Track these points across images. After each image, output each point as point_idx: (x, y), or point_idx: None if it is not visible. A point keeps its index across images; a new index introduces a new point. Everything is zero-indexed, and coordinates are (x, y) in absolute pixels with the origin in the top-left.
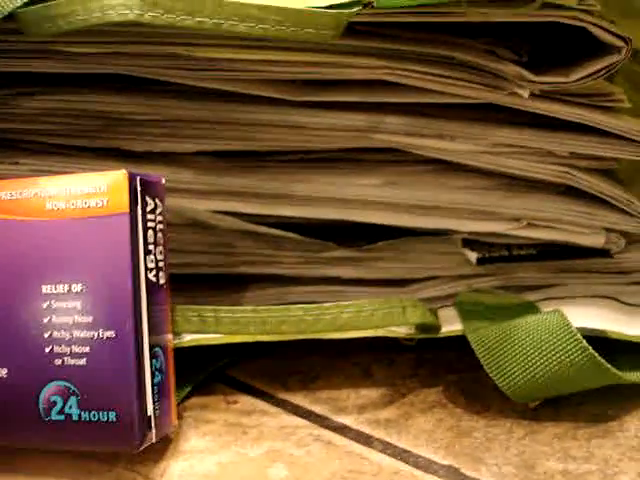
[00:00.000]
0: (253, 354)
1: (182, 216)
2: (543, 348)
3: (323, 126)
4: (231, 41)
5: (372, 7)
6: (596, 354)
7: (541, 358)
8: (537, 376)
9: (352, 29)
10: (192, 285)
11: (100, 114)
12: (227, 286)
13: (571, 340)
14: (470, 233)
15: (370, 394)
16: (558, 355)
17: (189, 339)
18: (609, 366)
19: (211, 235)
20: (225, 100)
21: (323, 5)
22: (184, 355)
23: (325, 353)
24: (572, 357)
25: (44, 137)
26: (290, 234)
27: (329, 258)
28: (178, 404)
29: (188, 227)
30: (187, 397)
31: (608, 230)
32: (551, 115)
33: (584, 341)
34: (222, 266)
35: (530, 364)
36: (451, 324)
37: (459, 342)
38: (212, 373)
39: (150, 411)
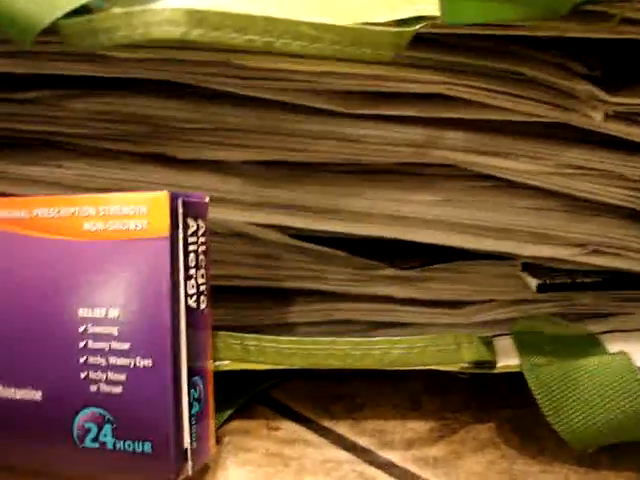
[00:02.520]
0: (298, 373)
1: (227, 228)
2: (606, 394)
3: (378, 140)
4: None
5: (437, 25)
6: None
7: (603, 404)
8: (598, 423)
9: (413, 39)
10: (235, 297)
11: (146, 119)
12: (272, 299)
13: (637, 388)
14: (530, 257)
15: (419, 427)
16: (622, 402)
17: (228, 363)
18: None
19: (257, 247)
20: (276, 109)
21: (384, 20)
22: (226, 375)
23: (372, 377)
24: (637, 405)
25: (89, 140)
26: (338, 252)
27: (380, 276)
28: (218, 428)
29: (233, 237)
30: (228, 419)
31: None
32: (625, 138)
33: None
34: (267, 279)
35: (591, 410)
36: (507, 357)
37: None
38: (255, 394)
39: (187, 443)
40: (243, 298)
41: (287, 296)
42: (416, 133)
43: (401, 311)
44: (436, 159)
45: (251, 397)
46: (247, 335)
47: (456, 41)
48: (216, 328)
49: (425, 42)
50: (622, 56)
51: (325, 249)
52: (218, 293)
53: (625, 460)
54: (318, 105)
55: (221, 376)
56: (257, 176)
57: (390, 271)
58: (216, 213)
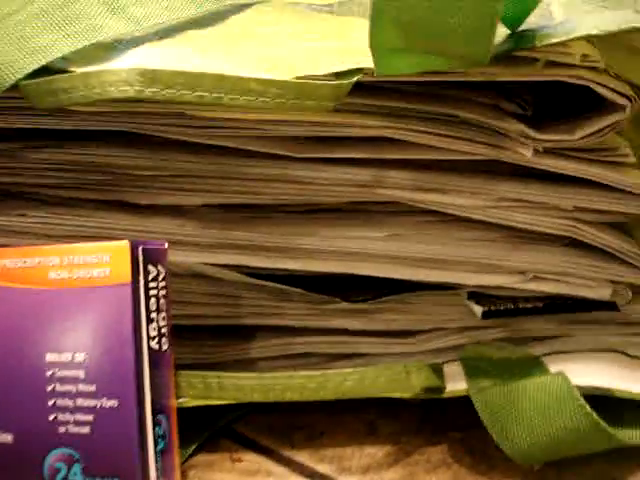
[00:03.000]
0: (259, 406)
1: (186, 269)
2: (547, 413)
3: (328, 181)
4: None
5: (372, 76)
6: (600, 420)
7: (544, 423)
8: (540, 440)
9: (355, 86)
10: (197, 335)
11: (107, 167)
12: (232, 336)
13: (575, 406)
14: (475, 286)
15: (375, 452)
16: (562, 420)
17: (191, 399)
18: (613, 432)
19: (216, 286)
20: (231, 155)
21: (323, 73)
22: (190, 411)
23: (330, 405)
24: (576, 423)
25: (51, 190)
26: (294, 289)
27: (335, 310)
28: (183, 462)
29: (194, 278)
30: (193, 454)
31: (614, 282)
32: (556, 171)
33: (587, 406)
34: (227, 317)
35: (533, 429)
36: (456, 382)
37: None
38: (218, 428)
39: (153, 478)
40: (204, 336)
41: (247, 332)
42: (363, 174)
43: (356, 342)
44: (383, 197)
45: (214, 431)
46: (208, 373)
47: (396, 87)
48: (179, 366)
49: (367, 90)
50: (554, 93)
51: (282, 286)
52: (180, 332)
53: (569, 472)
54: (269, 150)
55: (184, 412)
56: (214, 219)
57: (343, 305)
58: (176, 255)
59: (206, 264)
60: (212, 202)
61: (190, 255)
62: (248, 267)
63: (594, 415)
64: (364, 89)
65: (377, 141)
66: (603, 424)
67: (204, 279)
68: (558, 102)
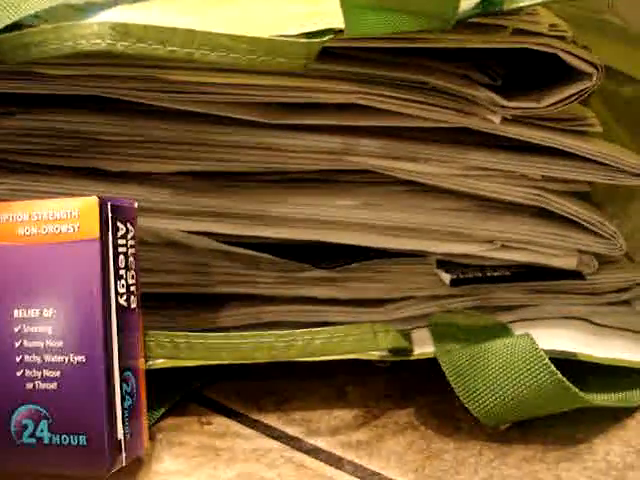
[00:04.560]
0: (229, 373)
1: (157, 236)
2: (512, 372)
3: (299, 148)
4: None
5: (343, 35)
6: (564, 379)
7: (510, 382)
8: (506, 400)
9: (326, 52)
10: (167, 304)
11: (77, 134)
12: (203, 305)
13: (539, 364)
14: (444, 254)
15: (343, 415)
16: (526, 379)
17: (162, 361)
18: (577, 390)
19: (187, 254)
20: (201, 122)
21: (294, 33)
22: (159, 375)
23: (300, 373)
24: (540, 381)
25: (23, 156)
26: (264, 255)
27: (305, 278)
28: (152, 425)
29: (164, 246)
30: (161, 418)
31: (581, 252)
32: (523, 139)
33: (552, 365)
34: (198, 285)
35: (499, 388)
36: (424, 346)
37: (433, 362)
38: (187, 393)
39: (120, 435)
40: (175, 305)
41: (217, 301)
42: (333, 141)
43: (325, 311)
44: (353, 165)
45: (184, 396)
46: (177, 333)
47: (367, 54)
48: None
49: (339, 56)
50: (524, 61)
51: (251, 252)
52: (151, 300)
53: (533, 434)
54: (239, 116)
55: (154, 375)
56: (185, 186)
57: (313, 272)
58: (147, 222)
59: (176, 230)
60: (183, 169)
61: (160, 222)
62: (218, 234)
63: (559, 374)
64: (335, 56)
65: (348, 108)
66: (567, 382)
67: (173, 246)
68: (527, 74)
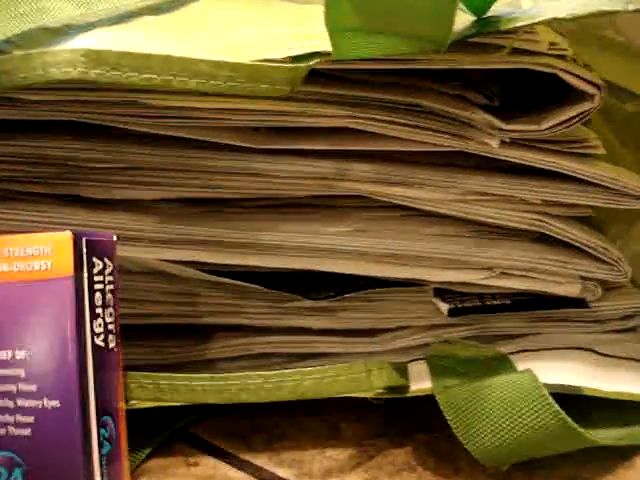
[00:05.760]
0: (217, 409)
1: (143, 266)
2: (513, 412)
3: (288, 174)
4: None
5: (331, 58)
6: (568, 418)
7: (511, 422)
8: (507, 440)
9: (315, 74)
10: (154, 335)
11: (59, 160)
12: (191, 336)
13: (542, 404)
14: (441, 282)
15: (337, 455)
16: (529, 419)
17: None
18: (582, 431)
19: (173, 284)
20: (188, 147)
21: (280, 57)
22: (143, 413)
23: (292, 409)
24: (543, 421)
25: (2, 183)
26: (254, 286)
27: (296, 308)
28: (137, 466)
29: (150, 275)
30: (146, 458)
31: (584, 278)
32: (523, 163)
33: (555, 404)
34: (185, 316)
35: (500, 428)
36: (421, 381)
37: (430, 396)
38: (173, 432)
39: None
40: (162, 336)
41: (206, 332)
42: (325, 166)
43: (318, 342)
44: (346, 190)
45: (169, 435)
46: (160, 374)
47: (358, 76)
48: (132, 367)
49: (329, 78)
50: (522, 80)
51: (241, 283)
52: (137, 332)
53: (537, 474)
54: (225, 141)
55: (137, 415)
56: (172, 214)
57: (305, 302)
58: (131, 252)
59: (163, 260)
60: (169, 196)
61: (146, 251)
62: (206, 264)
63: (562, 413)
64: (325, 78)
65: (340, 132)
66: (571, 422)
67: (160, 276)
68: (526, 95)
